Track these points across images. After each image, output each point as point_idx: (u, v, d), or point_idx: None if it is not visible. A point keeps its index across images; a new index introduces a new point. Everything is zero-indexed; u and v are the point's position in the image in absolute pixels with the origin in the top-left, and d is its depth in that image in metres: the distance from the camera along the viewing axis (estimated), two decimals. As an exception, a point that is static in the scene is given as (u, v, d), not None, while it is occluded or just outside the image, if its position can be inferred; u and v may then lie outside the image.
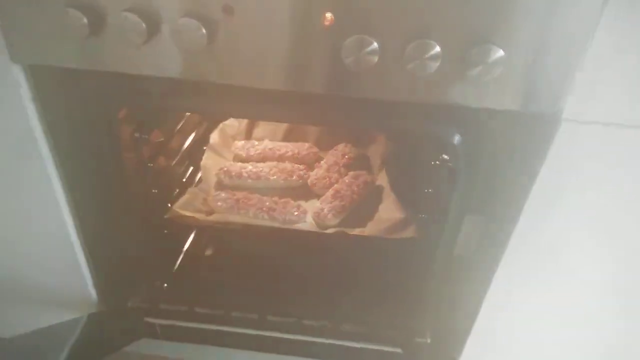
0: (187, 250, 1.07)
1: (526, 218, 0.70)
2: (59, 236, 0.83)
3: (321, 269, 1.02)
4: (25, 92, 0.68)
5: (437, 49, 0.55)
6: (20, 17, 0.60)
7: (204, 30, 0.56)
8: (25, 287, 0.95)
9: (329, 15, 0.56)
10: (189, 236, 1.10)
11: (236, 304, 0.96)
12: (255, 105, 0.69)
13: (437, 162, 0.80)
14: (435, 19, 0.55)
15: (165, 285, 0.98)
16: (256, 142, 1.18)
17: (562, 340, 0.88)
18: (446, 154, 0.79)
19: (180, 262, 1.05)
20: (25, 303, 0.98)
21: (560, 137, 0.62)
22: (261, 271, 1.02)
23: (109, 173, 0.79)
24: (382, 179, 1.09)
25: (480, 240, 0.77)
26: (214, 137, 1.17)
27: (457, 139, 0.68)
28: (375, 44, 0.55)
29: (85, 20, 0.57)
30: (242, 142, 1.19)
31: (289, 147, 1.16)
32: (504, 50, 0.54)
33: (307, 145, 1.18)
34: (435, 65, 0.56)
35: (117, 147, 0.77)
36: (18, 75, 0.66)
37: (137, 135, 0.82)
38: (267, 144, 1.18)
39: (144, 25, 0.56)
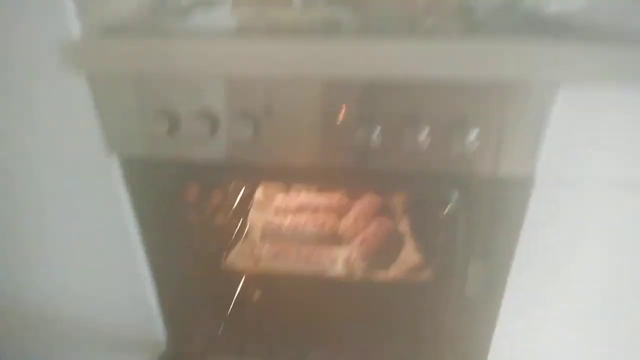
0: (239, 295, 1.23)
1: (518, 263, 0.83)
2: (134, 282, 1.01)
3: (352, 310, 1.15)
4: (117, 173, 0.89)
5: (427, 130, 0.71)
6: (116, 120, 0.82)
7: (250, 128, 0.75)
8: (102, 334, 1.12)
9: (344, 111, 0.74)
10: (240, 283, 1.26)
11: (281, 344, 1.10)
12: (291, 175, 0.87)
13: (444, 214, 0.94)
14: (423, 109, 0.72)
15: (222, 327, 1.14)
16: (294, 196, 1.36)
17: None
18: (450, 207, 0.93)
19: (233, 305, 1.21)
20: (102, 349, 1.16)
21: (536, 196, 0.76)
22: (301, 314, 1.15)
23: (177, 231, 0.97)
24: (404, 225, 1.24)
25: (484, 282, 0.90)
26: (258, 194, 1.36)
27: (455, 196, 0.83)
28: (379, 130, 0.73)
29: (166, 124, 0.77)
30: (282, 196, 1.37)
31: (321, 199, 1.33)
32: (479, 129, 0.70)
33: (337, 196, 1.34)
34: (426, 143, 0.72)
35: (185, 211, 0.97)
36: (113, 162, 0.87)
37: (200, 200, 1.02)
38: (303, 197, 1.35)
39: (208, 126, 0.76)
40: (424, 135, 0.71)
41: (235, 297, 1.23)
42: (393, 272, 1.10)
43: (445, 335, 1.00)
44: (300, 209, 1.32)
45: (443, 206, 0.96)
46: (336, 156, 0.78)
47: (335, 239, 1.23)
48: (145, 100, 0.78)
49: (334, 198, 1.33)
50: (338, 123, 0.74)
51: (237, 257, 1.16)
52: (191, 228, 0.99)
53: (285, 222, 1.25)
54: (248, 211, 1.32)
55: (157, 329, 1.09)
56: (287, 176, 0.88)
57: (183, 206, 0.94)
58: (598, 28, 0.64)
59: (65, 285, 1.06)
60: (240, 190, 1.29)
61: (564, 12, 0.77)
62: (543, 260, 0.82)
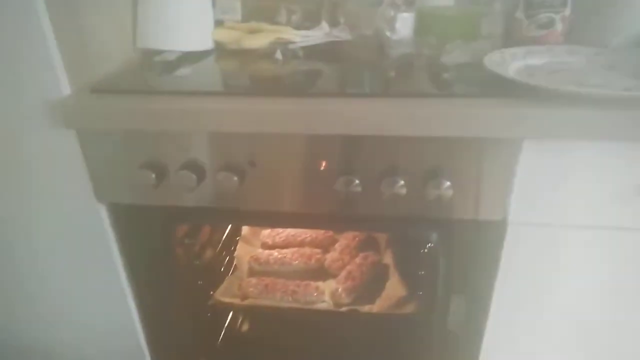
0: (226, 329, 1.26)
1: (498, 298, 0.87)
2: (124, 322, 1.03)
3: (338, 342, 1.19)
4: (106, 221, 0.91)
5: (402, 182, 0.75)
6: (104, 171, 0.85)
7: (236, 178, 0.79)
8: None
9: (324, 163, 0.78)
10: (228, 317, 1.29)
11: None
12: (274, 221, 0.90)
13: (425, 250, 0.98)
14: (399, 162, 0.76)
15: (210, 361, 1.16)
16: (280, 231, 1.39)
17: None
18: (431, 244, 0.97)
19: (221, 340, 1.23)
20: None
21: (509, 237, 0.80)
22: (289, 346, 1.19)
23: (166, 271, 1.00)
24: (388, 258, 1.27)
25: (466, 315, 0.94)
26: (245, 229, 1.38)
27: (434, 236, 0.87)
28: (358, 181, 0.76)
29: (153, 176, 0.80)
30: (268, 231, 1.40)
31: (307, 233, 1.36)
32: (450, 181, 0.74)
33: (323, 231, 1.38)
34: (403, 192, 0.76)
35: (172, 251, 1.00)
36: (101, 210, 0.90)
37: (186, 240, 1.04)
38: (289, 231, 1.38)
39: (194, 177, 0.79)
40: (400, 185, 0.75)
41: (222, 331, 1.25)
42: (378, 305, 1.13)
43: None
44: (286, 244, 1.35)
45: (423, 245, 1.00)
46: (318, 203, 0.82)
47: (321, 272, 1.26)
48: (132, 154, 0.81)
49: (319, 233, 1.36)
50: (320, 173, 0.78)
51: (224, 293, 1.18)
52: (178, 266, 1.02)
53: (271, 257, 1.27)
54: (234, 247, 1.34)
55: None
56: (272, 221, 0.91)
57: (170, 246, 0.97)
58: (555, 87, 0.69)
59: (57, 320, 1.08)
60: (226, 228, 1.32)
61: (527, 68, 0.82)
62: (521, 295, 0.86)
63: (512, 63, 0.83)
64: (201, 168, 0.80)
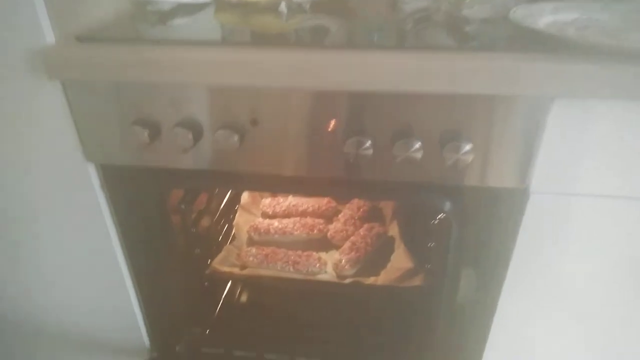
0: (225, 299, 1.21)
1: (514, 272, 0.82)
2: (118, 290, 0.98)
3: (340, 314, 1.14)
4: (96, 181, 0.85)
5: (419, 144, 0.69)
6: (93, 129, 0.78)
7: (236, 138, 0.72)
8: (87, 339, 1.10)
9: (333, 122, 0.71)
10: (226, 287, 1.24)
11: (268, 346, 1.08)
12: (277, 186, 0.84)
13: (435, 222, 0.93)
14: (416, 121, 0.69)
15: (208, 331, 1.12)
16: (281, 200, 1.33)
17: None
18: (443, 214, 0.92)
19: (219, 310, 1.19)
20: (82, 349, 1.13)
21: (531, 207, 0.74)
22: (289, 318, 1.14)
23: (161, 238, 0.95)
24: (394, 230, 1.22)
25: (477, 290, 0.89)
26: (245, 197, 1.33)
27: (447, 205, 0.81)
28: (369, 142, 0.70)
29: (146, 133, 0.74)
30: (269, 199, 1.34)
31: (310, 203, 1.31)
32: (472, 142, 0.68)
33: (326, 200, 1.32)
34: (418, 156, 0.69)
35: (167, 218, 0.94)
36: (91, 170, 0.84)
37: (182, 206, 0.99)
38: (290, 200, 1.33)
39: (190, 135, 0.73)
40: (415, 148, 0.69)
41: (220, 301, 1.21)
42: (383, 277, 1.08)
43: (437, 343, 0.99)
44: (287, 214, 1.29)
45: (434, 215, 0.94)
46: (325, 167, 0.76)
47: (323, 243, 1.21)
48: (123, 109, 0.75)
49: (321, 203, 1.31)
50: (328, 134, 0.72)
51: (222, 262, 1.14)
52: (174, 233, 0.96)
53: (272, 226, 1.22)
54: (233, 215, 1.28)
55: (141, 334, 1.07)
56: (274, 186, 0.85)
57: (165, 212, 0.91)
58: (590, 42, 0.62)
59: (49, 290, 1.03)
60: (226, 193, 1.26)
61: (556, 24, 0.75)
62: (538, 270, 0.81)
63: (539, 18, 0.76)
64: (198, 126, 0.74)
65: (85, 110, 0.76)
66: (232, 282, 1.23)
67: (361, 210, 1.28)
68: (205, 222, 1.12)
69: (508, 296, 0.85)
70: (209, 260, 1.13)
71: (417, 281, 1.03)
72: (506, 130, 0.68)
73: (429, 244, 1.00)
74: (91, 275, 0.98)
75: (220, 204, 1.23)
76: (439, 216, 0.92)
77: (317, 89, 0.69)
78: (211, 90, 0.72)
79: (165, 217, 0.93)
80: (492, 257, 0.83)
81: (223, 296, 1.22)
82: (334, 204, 1.32)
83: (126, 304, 1.01)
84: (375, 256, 1.15)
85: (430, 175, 0.73)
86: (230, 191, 1.29)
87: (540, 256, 0.80)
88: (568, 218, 0.75)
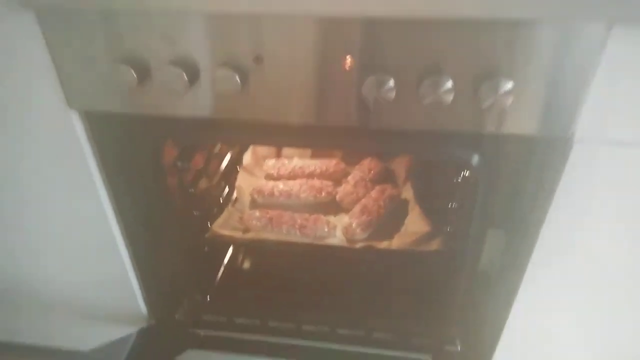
0: (226, 265, 1.14)
1: (547, 233, 0.73)
2: (110, 254, 0.91)
3: (352, 280, 1.07)
4: (81, 133, 0.76)
5: (450, 84, 0.59)
6: (75, 70, 0.68)
7: (237, 78, 0.62)
8: (78, 302, 1.03)
9: (348, 58, 0.61)
10: (228, 252, 1.17)
11: (273, 314, 1.02)
12: (284, 136, 0.75)
13: (459, 179, 0.84)
14: (446, 56, 0.59)
15: (208, 298, 1.05)
16: (286, 161, 1.24)
17: (592, 344, 0.90)
18: (467, 172, 0.82)
19: (221, 276, 1.12)
20: (80, 317, 1.06)
21: (574, 158, 0.65)
22: (295, 284, 1.07)
23: (156, 198, 0.86)
24: (408, 192, 1.13)
25: (502, 253, 0.81)
26: (247, 157, 1.23)
27: (475, 160, 0.72)
28: (392, 82, 0.60)
29: (133, 73, 0.64)
30: (273, 161, 1.25)
31: (317, 164, 1.22)
32: (513, 81, 0.58)
33: (334, 161, 1.23)
34: (449, 98, 0.60)
35: (161, 176, 0.85)
36: (74, 119, 0.74)
37: (179, 163, 0.90)
38: (296, 162, 1.24)
39: (185, 76, 0.63)
40: (447, 88, 0.59)
41: (222, 267, 1.14)
42: (397, 241, 1.00)
43: (455, 313, 0.92)
44: (293, 176, 1.21)
45: (458, 171, 0.85)
46: (338, 113, 0.66)
47: (332, 206, 1.13)
48: (107, 45, 0.64)
49: (329, 165, 1.22)
50: (342, 73, 0.62)
51: (223, 225, 1.05)
52: (169, 192, 0.88)
53: (277, 189, 1.14)
54: (235, 177, 1.20)
55: (137, 301, 1.00)
56: (280, 137, 0.75)
57: (159, 168, 0.82)
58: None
59: (37, 257, 0.96)
60: (226, 153, 1.17)
61: None
62: (577, 231, 0.72)
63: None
64: (194, 64, 0.64)
65: (64, 47, 0.66)
66: (234, 247, 1.16)
67: (372, 172, 1.19)
68: (204, 182, 1.03)
69: (538, 261, 0.77)
70: (209, 223, 1.05)
71: (434, 245, 0.95)
72: (553, 67, 0.58)
73: (450, 205, 0.91)
74: (81, 240, 0.90)
75: (221, 164, 1.14)
76: (464, 173, 0.83)
77: (328, 15, 0.58)
78: (209, 20, 0.61)
79: (159, 173, 0.84)
80: (524, 217, 0.75)
81: (225, 261, 1.15)
82: (342, 165, 1.23)
83: (120, 270, 0.94)
84: (388, 220, 1.07)
85: (461, 122, 0.64)
86: (230, 152, 1.20)
87: (580, 215, 0.71)
88: (618, 172, 0.66)
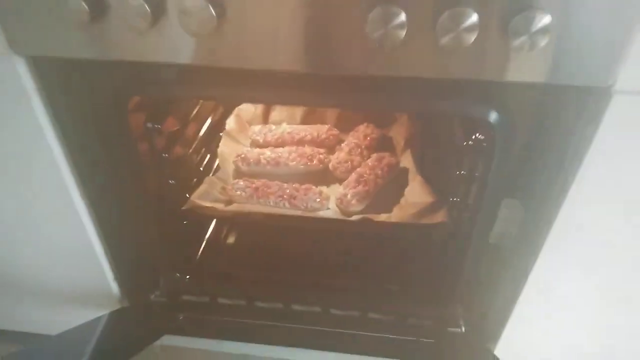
0: (208, 240, 1.05)
1: (572, 203, 0.64)
2: (75, 230, 0.81)
3: (346, 257, 0.99)
4: (28, 83, 0.64)
5: (475, 17, 0.48)
6: (17, 7, 0.56)
7: (212, 10, 0.51)
8: (45, 284, 0.94)
9: (350, -14, 0.50)
10: (210, 226, 1.07)
11: (260, 294, 0.94)
12: (271, 89, 0.64)
13: (470, 142, 0.74)
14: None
15: (188, 277, 0.95)
16: (273, 127, 1.13)
17: (604, 328, 0.83)
18: (480, 133, 0.72)
19: (202, 252, 1.02)
20: (48, 300, 0.97)
21: (612, 112, 0.55)
22: (284, 260, 0.99)
23: (122, 165, 0.76)
24: (407, 160, 1.04)
25: (518, 226, 0.72)
26: (230, 122, 1.12)
27: (493, 117, 0.61)
28: (404, 15, 0.49)
29: (85, 6, 0.52)
30: (259, 126, 1.14)
31: (307, 130, 1.11)
32: (551, 16, 0.48)
33: (326, 127, 1.12)
34: (471, 37, 0.49)
35: (129, 138, 0.73)
36: (20, 67, 0.62)
37: (149, 125, 0.78)
38: (285, 127, 1.13)
39: (147, 8, 0.51)
40: (470, 24, 0.48)
41: (203, 243, 1.03)
42: (397, 214, 0.90)
43: (459, 291, 0.84)
44: (281, 142, 1.10)
45: (469, 133, 0.75)
46: (334, 57, 0.55)
47: (324, 176, 1.03)
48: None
49: (322, 130, 1.11)
50: (341, 5, 0.50)
51: (203, 196, 0.95)
52: (139, 157, 0.76)
53: (263, 156, 1.03)
54: (218, 142, 1.08)
55: (107, 281, 0.91)
56: (264, 91, 0.64)
57: (126, 129, 0.71)
58: None
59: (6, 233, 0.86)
60: (207, 116, 1.05)
61: None
62: (609, 198, 0.63)
63: None
64: (157, -4, 0.52)
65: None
66: (217, 221, 1.06)
67: (368, 138, 1.08)
68: (180, 148, 0.91)
69: (558, 236, 0.68)
70: (188, 194, 0.94)
71: (439, 217, 0.86)
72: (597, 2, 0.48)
73: (458, 172, 0.81)
74: (41, 213, 0.80)
75: (200, 129, 1.02)
76: (476, 135, 0.73)
77: None
78: None
79: (125, 135, 0.73)
80: (547, 185, 0.66)
81: (207, 236, 1.05)
82: (335, 131, 1.12)
83: (86, 246, 0.85)
84: (387, 190, 0.97)
85: (482, 68, 0.53)
86: (212, 115, 1.08)
87: (611, 183, 0.62)
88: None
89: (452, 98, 0.61)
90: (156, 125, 0.79)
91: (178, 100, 0.88)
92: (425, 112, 0.70)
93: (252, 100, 0.98)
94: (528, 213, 0.70)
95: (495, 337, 0.86)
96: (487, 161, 0.69)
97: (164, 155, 0.84)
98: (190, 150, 0.97)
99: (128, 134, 0.73)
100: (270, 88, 0.63)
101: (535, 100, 0.58)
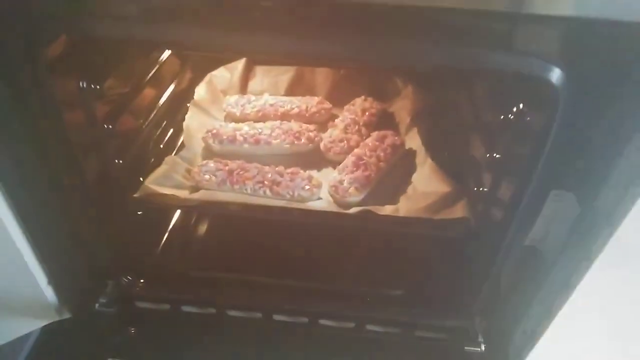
0: (169, 235, 0.87)
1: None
2: None
3: (342, 258, 0.85)
4: None
5: None
6: None
7: None
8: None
9: None
10: (172, 218, 0.89)
11: (233, 301, 0.79)
12: (252, 29, 0.44)
13: (510, 116, 0.56)
14: None
15: (142, 280, 0.77)
16: (253, 97, 0.95)
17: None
18: (527, 103, 0.55)
19: (161, 250, 0.86)
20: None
21: None
22: (264, 261, 0.84)
23: (45, 139, 0.57)
24: (413, 141, 0.86)
25: (569, 226, 0.56)
26: (200, 91, 0.94)
27: (556, 75, 0.45)
28: None
29: None
30: (236, 97, 0.95)
31: (294, 103, 0.93)
32: None
33: (316, 99, 0.94)
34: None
35: (52, 101, 0.54)
36: None
37: (83, 84, 0.58)
38: (267, 98, 0.94)
39: None
40: None
41: (163, 239, 0.86)
42: (405, 206, 0.73)
43: (479, 302, 0.69)
44: (262, 116, 0.92)
45: (509, 102, 0.58)
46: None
47: (314, 157, 0.86)
48: None
49: (311, 102, 0.94)
50: None
51: (162, 181, 0.75)
52: (73, 131, 0.57)
53: (240, 132, 0.84)
54: (184, 114, 0.89)
55: (40, 288, 0.72)
56: (243, 26, 0.45)
57: (42, 91, 0.51)
58: None
59: None
60: (169, 80, 0.85)
61: None
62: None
63: None
64: None
65: None
66: (181, 211, 0.88)
67: (367, 113, 0.91)
68: (132, 118, 0.72)
69: (621, 241, 0.52)
70: (141, 178, 0.74)
71: (458, 211, 0.69)
72: None
73: (488, 155, 0.64)
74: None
75: (161, 96, 0.82)
76: (518, 106, 0.55)
77: None
78: None
79: (48, 97, 0.54)
80: (616, 172, 0.48)
81: (167, 231, 0.88)
82: (328, 105, 0.94)
83: (9, 248, 0.66)
84: (391, 177, 0.80)
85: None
86: (176, 80, 0.88)
87: None
88: None
89: (498, 46, 0.43)
90: (94, 86, 0.59)
91: (126, 51, 0.68)
92: (459, 67, 0.53)
93: (224, 48, 0.76)
94: (584, 210, 0.54)
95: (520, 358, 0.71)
96: (532, 141, 0.52)
97: (106, 126, 0.64)
98: (146, 123, 0.77)
99: (50, 94, 0.53)
100: (247, 29, 0.44)
101: (617, 49, 0.41)
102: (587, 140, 0.49)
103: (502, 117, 0.58)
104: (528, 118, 0.56)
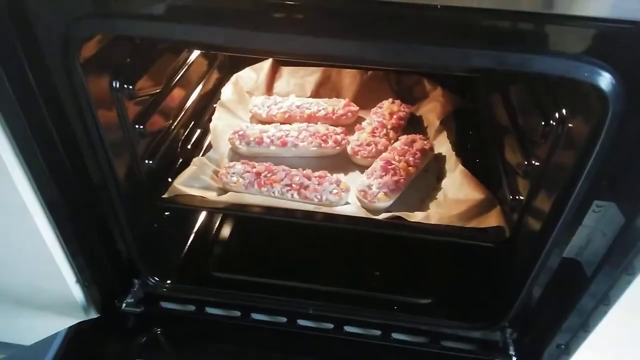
0: (195, 236, 0.87)
1: None
2: (24, 227, 0.63)
3: (369, 264, 0.83)
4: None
5: None
6: None
7: None
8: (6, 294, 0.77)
9: None
10: (198, 219, 0.89)
11: (258, 304, 0.78)
12: (284, 29, 0.43)
13: (551, 122, 0.54)
14: None
15: (169, 281, 0.77)
16: (279, 99, 0.94)
17: None
18: (568, 109, 0.53)
19: (187, 251, 0.85)
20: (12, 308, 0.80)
21: None
22: (290, 264, 0.83)
23: (79, 139, 0.57)
24: (443, 146, 0.84)
25: (611, 238, 0.53)
26: (226, 91, 0.93)
27: (606, 80, 0.42)
28: None
29: None
30: (262, 97, 0.94)
31: (321, 105, 0.92)
32: None
33: (343, 101, 0.93)
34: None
35: (86, 102, 0.54)
36: None
37: (116, 84, 0.58)
38: (293, 100, 0.93)
39: None
40: None
41: (189, 240, 0.86)
42: (436, 213, 0.71)
43: (512, 314, 0.66)
44: (289, 118, 0.92)
45: (551, 107, 0.55)
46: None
47: (342, 161, 0.84)
48: None
49: (338, 104, 0.93)
50: None
51: (190, 182, 0.75)
52: (106, 130, 0.57)
53: (267, 134, 0.83)
54: (210, 115, 0.89)
55: (69, 288, 0.73)
56: (273, 26, 0.44)
57: (76, 91, 0.51)
58: None
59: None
60: (197, 80, 0.85)
61: None
62: None
63: None
64: None
65: None
66: (207, 212, 0.88)
67: (395, 117, 0.89)
68: (161, 118, 0.72)
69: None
70: (169, 179, 0.74)
71: (492, 219, 0.67)
72: None
73: (528, 162, 0.61)
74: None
75: (189, 96, 0.82)
76: (561, 111, 0.53)
77: None
78: None
79: (82, 97, 0.53)
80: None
81: (194, 232, 0.87)
82: (354, 107, 0.93)
83: (39, 247, 0.67)
84: (420, 182, 0.78)
85: None
86: (204, 81, 0.87)
87: None
88: None
89: (546, 51, 0.41)
90: (126, 86, 0.59)
91: (157, 52, 0.68)
92: (503, 71, 0.51)
93: (251, 47, 0.72)
94: (628, 221, 0.51)
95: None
96: (580, 149, 0.49)
97: (137, 127, 0.64)
98: (175, 123, 0.77)
99: (83, 95, 0.53)
100: (278, 28, 0.43)
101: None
102: (636, 149, 0.47)
103: (542, 122, 0.56)
104: (571, 125, 0.54)
